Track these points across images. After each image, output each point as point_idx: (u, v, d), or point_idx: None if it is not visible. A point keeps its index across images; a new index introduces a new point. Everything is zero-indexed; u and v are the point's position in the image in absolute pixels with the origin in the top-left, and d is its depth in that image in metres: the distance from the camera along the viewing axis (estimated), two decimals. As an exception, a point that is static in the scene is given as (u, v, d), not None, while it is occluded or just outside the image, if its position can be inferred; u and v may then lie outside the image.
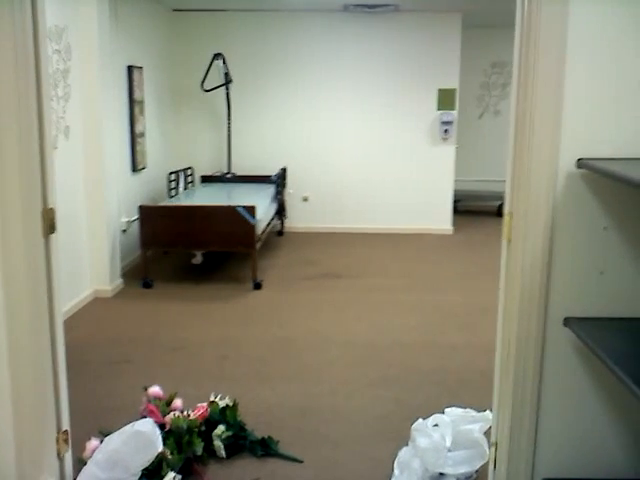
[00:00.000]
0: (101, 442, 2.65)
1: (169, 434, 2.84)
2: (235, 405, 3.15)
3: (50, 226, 2.22)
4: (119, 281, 5.73)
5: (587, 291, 2.13)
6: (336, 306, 5.29)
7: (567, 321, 2.12)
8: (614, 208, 2.08)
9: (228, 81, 7.76)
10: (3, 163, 1.98)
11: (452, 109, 8.07)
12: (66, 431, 2.41)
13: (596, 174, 2.03)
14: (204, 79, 7.66)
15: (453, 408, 2.96)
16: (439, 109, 8.09)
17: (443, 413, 2.91)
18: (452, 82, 8.03)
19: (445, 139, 8.13)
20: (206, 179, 7.95)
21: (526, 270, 2.13)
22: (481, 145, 9.45)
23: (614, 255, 2.11)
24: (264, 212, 6.32)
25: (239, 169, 8.10)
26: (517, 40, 2.14)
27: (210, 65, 7.61)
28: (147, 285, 5.76)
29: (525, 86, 2.08)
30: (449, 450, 2.65)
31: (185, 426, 2.87)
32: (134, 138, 6.51)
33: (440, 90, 8.06)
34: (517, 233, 2.16)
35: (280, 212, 7.74)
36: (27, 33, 2.03)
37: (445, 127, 8.07)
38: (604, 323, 2.10)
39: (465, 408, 2.97)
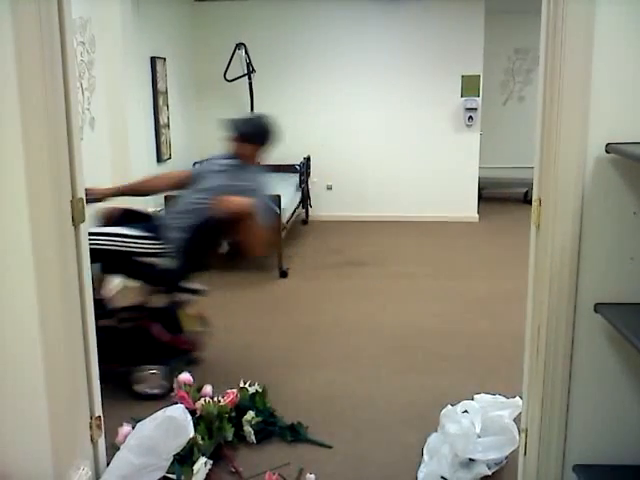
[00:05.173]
0: (133, 428, 2.70)
1: (200, 420, 2.88)
2: (264, 391, 3.19)
3: (79, 215, 2.24)
4: (146, 270, 5.77)
5: (617, 277, 2.11)
6: (361, 294, 5.30)
7: (598, 307, 2.11)
8: (645, 193, 2.06)
9: (251, 71, 7.76)
10: (33, 154, 1.99)
11: (476, 95, 7.99)
12: (99, 417, 2.45)
13: (625, 158, 2.00)
14: (227, 69, 7.67)
15: (482, 395, 2.96)
16: (463, 96, 8.01)
17: (472, 399, 2.91)
18: (476, 68, 7.94)
19: (469, 126, 8.06)
20: (230, 169, 7.94)
21: (555, 256, 2.12)
22: (506, 132, 9.34)
23: (645, 240, 2.08)
24: (289, 201, 6.32)
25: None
26: (544, 26, 2.11)
27: (232, 55, 7.61)
28: (173, 274, 5.78)
29: (552, 72, 2.06)
30: (479, 436, 2.65)
31: (215, 412, 2.91)
32: (158, 129, 6.55)
33: (464, 77, 7.98)
34: (546, 219, 2.15)
35: (304, 201, 7.74)
36: (53, 24, 2.04)
37: (469, 114, 7.99)
38: (635, 309, 2.08)
39: (494, 395, 2.97)
